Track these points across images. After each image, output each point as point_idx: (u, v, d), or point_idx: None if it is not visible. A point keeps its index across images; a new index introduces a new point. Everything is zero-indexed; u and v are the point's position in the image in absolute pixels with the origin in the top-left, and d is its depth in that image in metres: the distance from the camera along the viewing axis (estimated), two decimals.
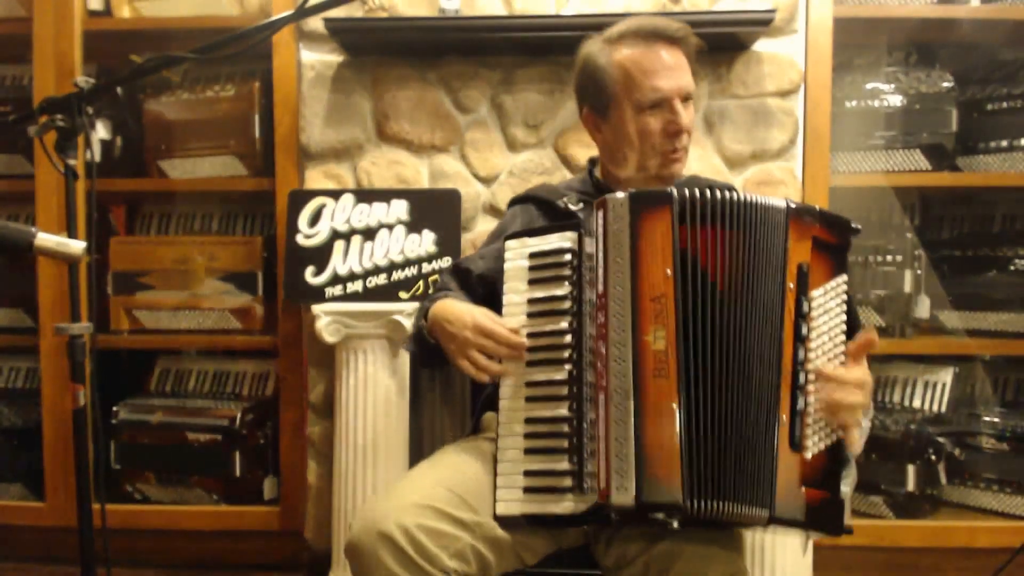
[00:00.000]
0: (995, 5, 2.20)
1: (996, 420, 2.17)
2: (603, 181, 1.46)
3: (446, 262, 2.04)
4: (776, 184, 2.09)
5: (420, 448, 2.14)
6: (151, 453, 2.23)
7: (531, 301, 1.20)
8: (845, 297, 1.10)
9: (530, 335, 1.19)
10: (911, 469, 2.09)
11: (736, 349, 1.07)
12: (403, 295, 2.04)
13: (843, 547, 2.10)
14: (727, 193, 1.10)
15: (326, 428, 2.16)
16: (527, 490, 1.14)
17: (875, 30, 2.25)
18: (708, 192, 1.10)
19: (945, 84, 2.18)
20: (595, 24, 1.94)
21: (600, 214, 1.12)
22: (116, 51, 2.44)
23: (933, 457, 2.11)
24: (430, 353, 1.32)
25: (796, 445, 1.05)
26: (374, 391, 1.95)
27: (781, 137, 2.09)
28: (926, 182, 2.22)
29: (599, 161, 1.49)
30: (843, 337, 1.11)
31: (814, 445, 1.06)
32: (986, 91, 2.21)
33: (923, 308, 2.24)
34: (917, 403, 2.22)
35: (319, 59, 2.15)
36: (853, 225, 1.13)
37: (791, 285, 1.07)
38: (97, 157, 2.29)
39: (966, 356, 2.29)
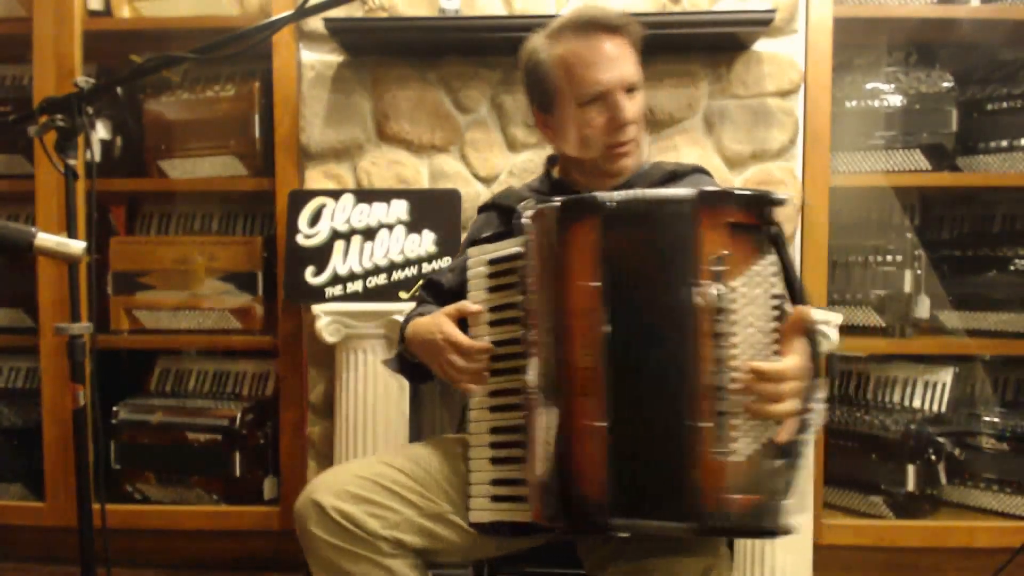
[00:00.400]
0: (995, 5, 2.20)
1: (996, 420, 2.17)
2: (560, 179, 1.44)
3: (446, 262, 2.04)
4: (776, 184, 2.09)
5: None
6: (151, 453, 2.23)
7: (492, 309, 1.20)
8: (775, 280, 1.00)
9: (494, 343, 1.18)
10: (911, 469, 2.09)
11: (657, 358, 1.01)
12: (403, 295, 2.04)
13: (843, 547, 2.10)
14: (641, 193, 1.08)
15: (326, 428, 2.16)
16: (495, 498, 1.16)
17: (875, 30, 2.25)
18: (629, 194, 1.06)
19: (945, 84, 2.18)
20: None
21: (536, 225, 1.10)
22: (116, 51, 2.44)
23: (933, 457, 2.11)
24: (414, 370, 1.34)
25: (721, 452, 0.98)
26: (374, 391, 1.95)
27: (781, 137, 2.09)
28: (926, 182, 2.22)
29: (558, 159, 1.47)
30: (776, 323, 1.01)
31: (745, 447, 0.98)
32: (986, 91, 2.21)
33: (923, 308, 2.24)
34: (917, 403, 2.22)
35: (319, 59, 2.15)
36: (774, 196, 1.01)
37: (704, 280, 0.99)
38: (97, 157, 2.29)
39: (966, 356, 2.29)
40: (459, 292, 1.36)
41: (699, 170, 1.40)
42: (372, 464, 1.23)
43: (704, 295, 0.99)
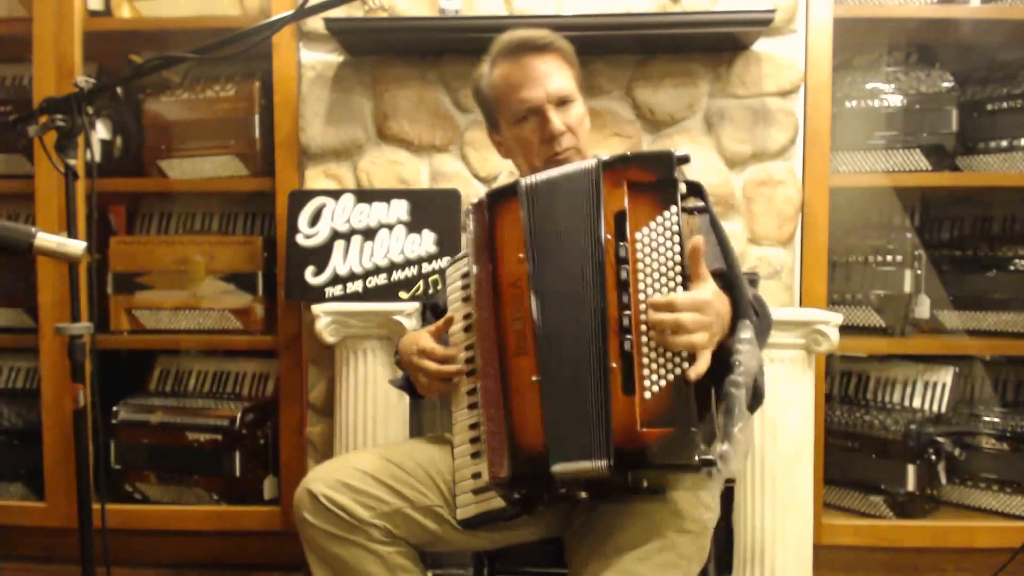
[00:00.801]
0: (995, 5, 2.20)
1: (996, 420, 2.17)
2: None
3: (446, 262, 2.03)
4: (776, 184, 2.09)
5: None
6: (151, 453, 2.23)
7: (464, 317, 1.28)
8: (677, 228, 1.07)
9: (467, 347, 1.26)
10: (911, 469, 2.09)
11: (572, 310, 1.11)
12: (403, 295, 2.04)
13: (843, 547, 2.11)
14: (555, 171, 1.18)
15: (326, 428, 2.17)
16: (475, 491, 1.22)
17: (875, 30, 2.25)
18: (540, 175, 1.19)
19: (945, 84, 2.18)
20: (595, 24, 1.96)
21: (471, 219, 1.22)
22: (116, 51, 2.44)
23: (933, 457, 2.11)
24: (411, 386, 1.39)
25: (629, 389, 1.04)
26: (374, 391, 1.95)
27: (781, 137, 2.09)
28: (926, 182, 2.22)
29: None
30: (679, 268, 1.08)
31: (653, 384, 1.04)
32: (986, 91, 2.21)
33: (923, 308, 2.24)
34: (917, 403, 2.22)
35: (319, 59, 2.15)
36: (675, 153, 1.10)
37: (607, 236, 1.09)
38: (97, 157, 2.29)
39: (966, 356, 2.29)
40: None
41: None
42: (368, 456, 1.30)
43: (612, 244, 1.09)
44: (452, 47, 2.10)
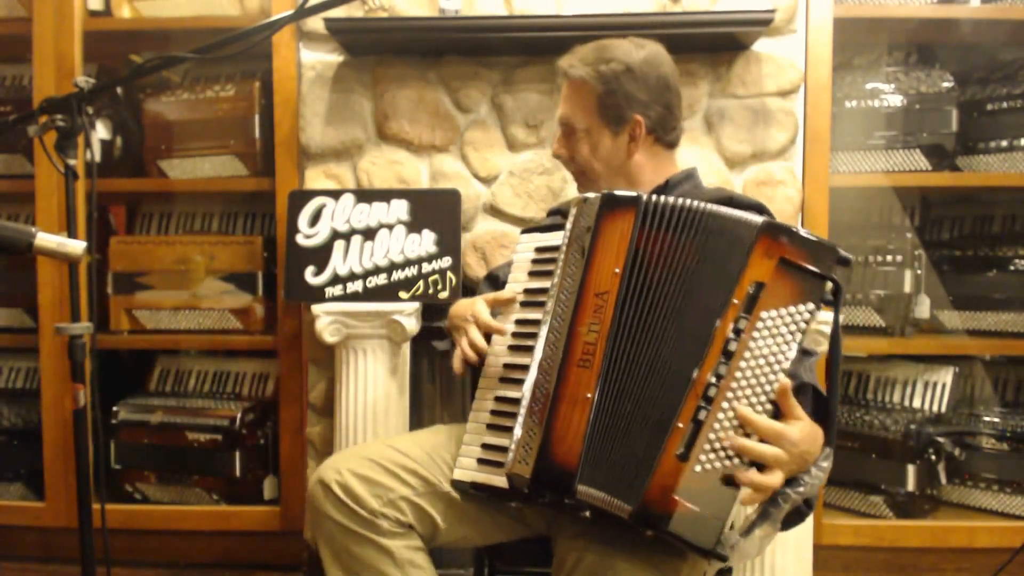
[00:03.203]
0: (995, 5, 2.20)
1: (996, 420, 2.17)
2: None
3: (446, 262, 2.04)
4: (776, 184, 2.09)
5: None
6: (151, 453, 2.23)
7: (526, 291, 1.27)
8: (805, 327, 1.01)
9: (516, 322, 1.26)
10: (911, 469, 2.09)
11: (659, 350, 1.08)
12: (403, 295, 2.04)
13: (843, 547, 2.11)
14: (694, 203, 1.11)
15: (326, 428, 2.16)
16: (480, 461, 1.23)
17: (875, 30, 2.25)
18: (674, 200, 1.12)
19: (945, 84, 2.18)
20: (595, 24, 1.96)
21: (574, 212, 1.19)
22: (116, 51, 2.44)
23: (933, 457, 2.12)
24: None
25: (683, 455, 1.01)
26: (374, 391, 1.95)
27: (781, 137, 2.09)
28: (926, 182, 2.22)
29: None
30: (787, 369, 1.03)
31: (707, 462, 1.01)
32: (986, 91, 2.21)
33: (923, 308, 2.24)
34: (917, 403, 2.22)
35: (319, 59, 2.15)
36: (840, 252, 1.03)
37: (735, 300, 1.03)
38: (97, 157, 2.29)
39: (966, 356, 2.29)
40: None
41: (759, 206, 1.35)
42: (376, 446, 1.34)
43: (735, 310, 1.02)
44: (452, 47, 2.10)
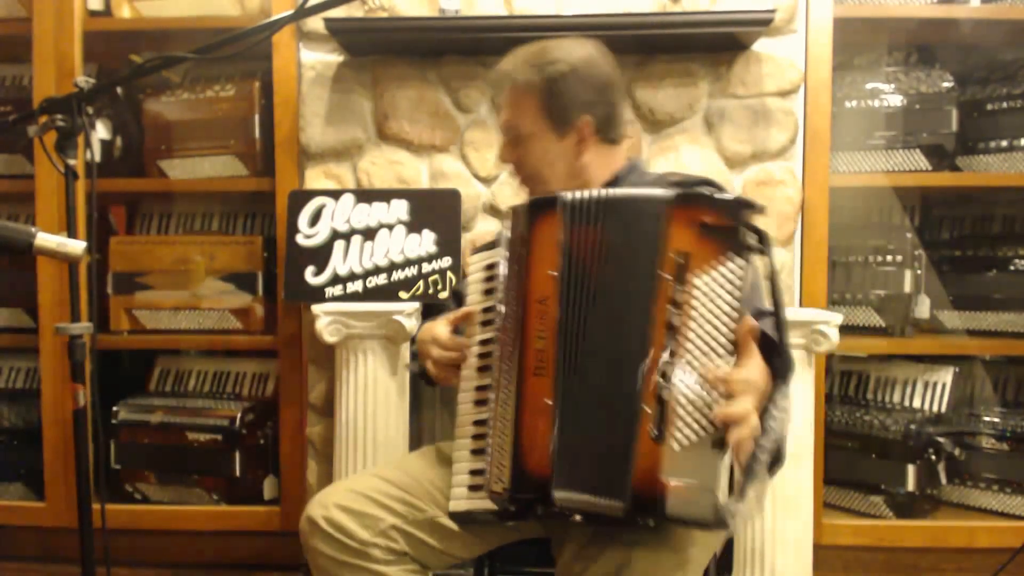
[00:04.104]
0: (995, 5, 2.20)
1: (996, 420, 2.17)
2: None
3: (446, 262, 2.04)
4: (776, 184, 2.09)
5: (420, 448, 2.14)
6: (151, 453, 2.23)
7: (483, 311, 1.26)
8: (739, 283, 1.02)
9: (480, 342, 1.25)
10: (911, 469, 2.09)
11: (607, 343, 1.08)
12: (403, 295, 2.04)
13: (843, 547, 2.11)
14: (609, 192, 1.13)
15: (326, 428, 2.16)
16: (471, 488, 1.22)
17: (875, 30, 2.25)
18: (593, 192, 1.13)
19: (945, 84, 2.18)
20: (595, 24, 1.97)
21: (508, 223, 1.20)
22: (116, 51, 2.44)
23: (933, 457, 2.12)
24: (425, 373, 1.38)
25: (658, 437, 1.01)
26: (374, 391, 1.95)
27: (781, 137, 2.09)
28: (926, 182, 2.22)
29: None
30: (733, 324, 1.03)
31: (684, 437, 1.01)
32: (986, 91, 2.21)
33: (923, 308, 2.24)
34: (917, 403, 2.22)
35: (319, 59, 2.15)
36: (751, 202, 1.03)
37: (666, 275, 1.04)
38: (97, 157, 2.29)
39: (966, 356, 2.29)
40: None
41: (706, 181, 1.37)
42: (363, 478, 1.32)
43: (669, 285, 1.03)
44: (452, 47, 2.10)
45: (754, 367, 1.04)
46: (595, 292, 1.10)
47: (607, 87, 1.35)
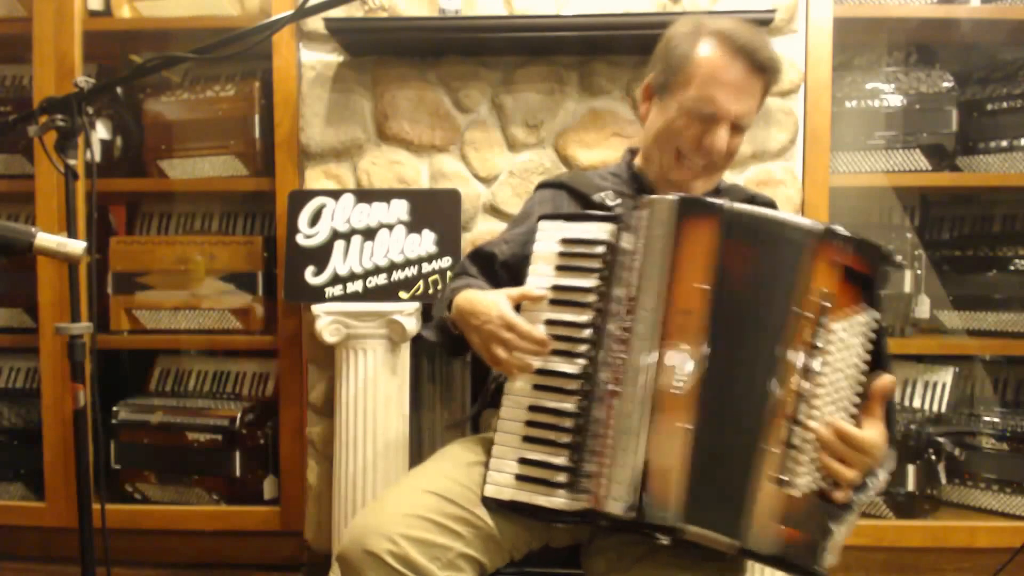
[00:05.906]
0: (995, 5, 2.20)
1: (996, 420, 2.17)
2: (639, 174, 1.42)
3: (446, 262, 2.04)
4: (776, 184, 2.09)
5: (420, 448, 2.14)
6: (151, 453, 2.23)
7: (555, 288, 1.15)
8: (872, 336, 0.99)
9: (548, 322, 1.14)
10: (911, 469, 2.09)
11: (743, 373, 1.02)
12: (403, 295, 2.04)
13: (843, 547, 2.10)
14: (766, 211, 1.06)
15: (326, 428, 2.16)
16: (519, 477, 1.13)
17: (875, 30, 2.25)
18: (747, 208, 1.05)
19: (945, 84, 2.18)
20: (596, 24, 1.96)
21: (645, 214, 1.08)
22: (116, 51, 2.44)
23: (933, 457, 2.11)
24: (454, 343, 1.28)
25: (782, 481, 0.99)
26: (374, 391, 1.95)
27: (781, 137, 2.09)
28: (926, 182, 2.22)
29: (639, 150, 1.45)
30: (862, 378, 1.01)
31: (804, 485, 0.99)
32: (986, 91, 2.21)
33: (923, 308, 2.24)
34: (917, 403, 2.22)
35: (319, 59, 2.15)
36: (893, 256, 1.01)
37: (808, 314, 0.98)
38: (97, 157, 2.29)
39: (966, 356, 2.29)
40: (514, 266, 1.34)
41: (774, 204, 1.41)
42: (413, 495, 1.15)
43: (810, 325, 0.98)
44: (452, 47, 2.10)
45: (880, 431, 1.02)
46: (740, 318, 1.02)
47: None
